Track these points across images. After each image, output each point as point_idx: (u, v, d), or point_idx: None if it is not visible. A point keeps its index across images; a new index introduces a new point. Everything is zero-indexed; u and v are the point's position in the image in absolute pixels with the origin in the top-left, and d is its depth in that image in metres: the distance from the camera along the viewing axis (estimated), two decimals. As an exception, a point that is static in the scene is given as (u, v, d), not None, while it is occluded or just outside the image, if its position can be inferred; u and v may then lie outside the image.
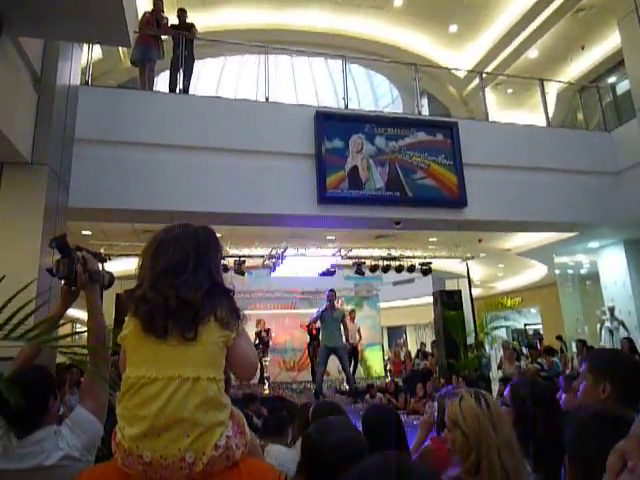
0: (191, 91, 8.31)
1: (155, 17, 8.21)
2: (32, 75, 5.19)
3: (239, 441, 1.38)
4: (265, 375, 12.71)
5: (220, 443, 1.31)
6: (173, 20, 8.52)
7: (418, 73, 9.38)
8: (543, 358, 10.68)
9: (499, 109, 12.99)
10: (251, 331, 12.61)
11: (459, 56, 13.08)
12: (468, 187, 8.08)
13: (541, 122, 9.63)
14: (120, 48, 10.68)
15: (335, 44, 12.44)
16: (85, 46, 7.09)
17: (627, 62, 8.94)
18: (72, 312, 2.03)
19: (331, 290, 10.14)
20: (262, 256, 11.41)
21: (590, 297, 12.53)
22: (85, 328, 1.96)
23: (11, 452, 1.80)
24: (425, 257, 12.20)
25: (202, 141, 7.25)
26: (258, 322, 13.28)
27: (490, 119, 9.35)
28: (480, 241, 11.04)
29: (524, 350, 13.52)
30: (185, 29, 8.47)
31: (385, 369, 15.61)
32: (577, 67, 12.46)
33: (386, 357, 16.68)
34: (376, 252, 11.81)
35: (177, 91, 8.06)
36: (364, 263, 12.01)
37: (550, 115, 9.87)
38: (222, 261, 1.61)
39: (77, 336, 2.11)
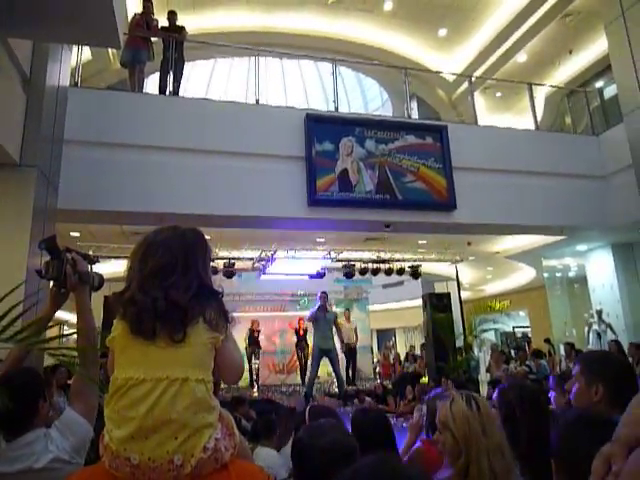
0: (181, 93, 8.28)
1: (145, 19, 8.18)
2: (21, 76, 5.16)
3: (228, 443, 1.37)
4: (254, 378, 12.69)
5: (209, 445, 1.31)
6: (163, 22, 8.49)
7: (408, 77, 9.42)
8: (531, 361, 10.73)
9: (488, 113, 13.06)
10: (242, 333, 12.58)
11: (448, 60, 13.16)
12: (457, 190, 8.12)
13: (530, 126, 9.70)
14: (110, 50, 10.63)
15: (325, 47, 12.47)
16: (74, 47, 7.05)
17: (614, 67, 9.02)
18: (60, 314, 2.01)
19: (323, 292, 10.15)
20: (251, 258, 11.39)
21: (578, 300, 12.61)
22: (72, 330, 1.95)
23: (0, 455, 1.79)
24: (414, 260, 12.22)
25: (192, 143, 7.23)
26: (252, 322, 13.24)
27: (479, 123, 9.40)
28: (469, 244, 11.09)
29: (512, 353, 13.58)
30: (175, 31, 8.45)
31: (374, 372, 15.62)
32: (565, 71, 12.56)
33: (375, 360, 16.69)
34: (366, 255, 11.82)
35: (167, 93, 8.04)
36: (354, 266, 12.02)
37: (538, 119, 9.94)
38: (211, 263, 1.60)
39: (65, 338, 2.10)
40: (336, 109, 8.61)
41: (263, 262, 11.46)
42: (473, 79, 11.23)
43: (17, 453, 1.79)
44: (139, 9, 8.31)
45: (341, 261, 11.97)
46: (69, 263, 1.83)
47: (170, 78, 8.12)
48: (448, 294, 12.75)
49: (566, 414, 1.63)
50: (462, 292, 13.67)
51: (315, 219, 7.72)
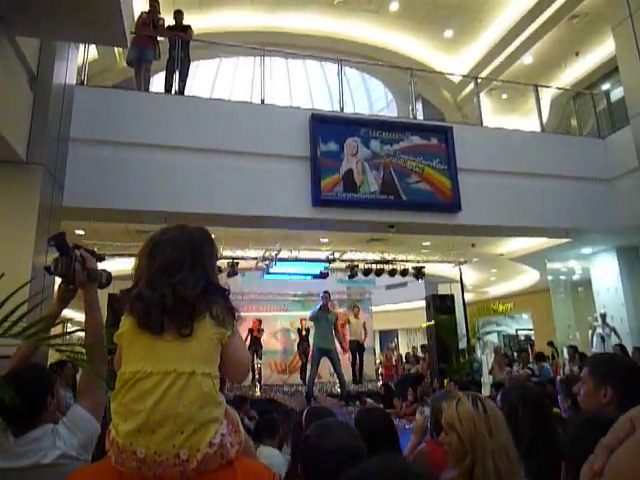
0: (186, 92, 8.30)
1: (151, 18, 8.20)
2: (28, 74, 5.18)
3: (233, 439, 1.38)
4: (256, 377, 12.69)
5: (215, 440, 1.31)
6: (169, 21, 8.51)
7: (413, 77, 9.41)
8: (534, 364, 10.71)
9: (493, 114, 13.04)
10: (244, 333, 12.59)
11: (454, 61, 13.14)
12: (462, 192, 8.10)
13: (535, 128, 9.68)
14: (116, 48, 10.65)
15: (330, 47, 12.48)
16: (81, 46, 7.07)
17: (621, 69, 9.00)
18: (64, 312, 2.02)
19: (325, 292, 10.14)
20: (255, 258, 11.39)
21: (582, 303, 12.58)
22: (75, 328, 1.96)
23: (8, 450, 1.79)
24: (418, 261, 12.21)
25: (197, 142, 7.24)
26: (253, 322, 13.25)
27: (484, 124, 9.39)
28: (473, 246, 11.07)
29: (515, 356, 13.55)
30: (181, 30, 8.47)
31: (377, 373, 15.60)
32: (571, 73, 12.53)
33: (377, 361, 16.68)
34: (370, 255, 11.81)
35: (172, 92, 8.06)
36: (357, 266, 12.01)
37: (544, 121, 9.92)
38: (217, 260, 1.62)
39: (69, 335, 2.11)
40: (341, 109, 8.61)
41: (267, 262, 11.46)
42: (479, 80, 11.21)
43: (25, 449, 1.79)
44: (146, 8, 8.33)
45: (345, 261, 11.97)
46: (78, 260, 1.84)
47: (176, 77, 8.14)
48: (452, 296, 12.74)
49: (576, 416, 1.64)
50: (465, 294, 13.64)
51: (319, 219, 7.72)
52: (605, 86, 11.46)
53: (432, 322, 12.09)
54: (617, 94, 10.33)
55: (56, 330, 1.87)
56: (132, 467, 1.28)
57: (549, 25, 11.22)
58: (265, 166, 7.44)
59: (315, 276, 12.54)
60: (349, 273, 12.21)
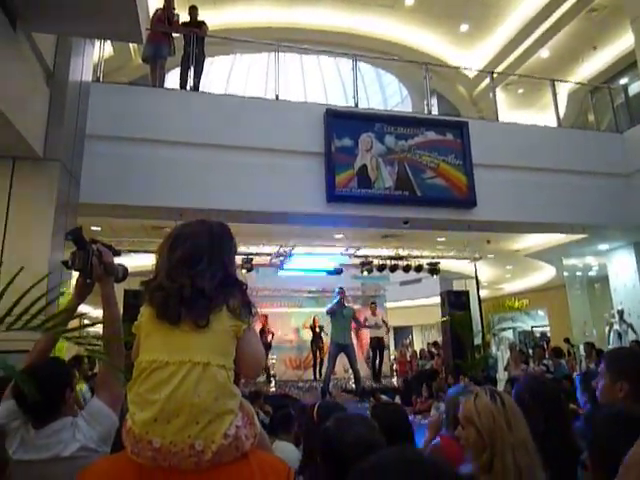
0: (201, 89, 8.32)
1: (166, 14, 8.23)
2: (45, 71, 5.22)
3: (248, 432, 1.39)
4: (271, 373, 12.73)
5: (230, 432, 1.32)
6: (184, 17, 8.54)
7: (428, 72, 9.35)
8: (550, 360, 10.62)
9: (509, 109, 12.93)
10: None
11: (470, 56, 13.04)
12: (478, 187, 8.04)
13: (552, 123, 9.58)
14: (131, 45, 10.72)
15: (345, 43, 12.42)
16: (97, 43, 7.12)
17: (640, 63, 8.88)
18: (80, 307, 2.04)
19: (340, 288, 10.15)
20: (269, 254, 11.40)
21: (599, 300, 12.46)
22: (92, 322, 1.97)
23: (29, 443, 1.81)
24: (433, 257, 12.15)
25: (212, 138, 7.26)
26: (260, 317, 13.27)
27: (500, 119, 9.30)
28: (489, 242, 11.00)
29: (530, 352, 13.45)
30: (196, 26, 8.49)
31: (391, 369, 15.57)
32: (589, 68, 12.39)
33: (392, 357, 16.65)
34: (384, 251, 11.77)
35: (187, 88, 8.08)
36: (372, 262, 11.98)
37: (561, 116, 9.81)
38: (236, 255, 1.64)
39: (86, 330, 2.13)
40: (356, 105, 8.58)
41: (281, 258, 11.47)
42: (495, 75, 11.11)
43: (45, 441, 1.82)
44: (161, 4, 8.35)
45: (359, 257, 11.94)
46: (95, 254, 1.85)
47: (191, 73, 8.16)
48: (467, 292, 12.67)
49: (597, 412, 1.62)
50: (480, 290, 13.56)
51: (334, 215, 7.71)
52: (623, 80, 11.32)
53: (447, 317, 12.00)
54: (635, 88, 10.21)
55: (73, 324, 1.88)
56: (148, 457, 1.29)
57: (567, 19, 11.09)
58: (280, 162, 7.44)
59: (329, 272, 12.53)
60: (363, 269, 12.18)
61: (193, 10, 8.58)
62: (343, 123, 7.85)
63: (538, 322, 19.05)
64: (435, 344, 14.74)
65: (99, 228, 8.56)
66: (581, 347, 11.29)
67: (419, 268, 12.15)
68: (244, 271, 10.67)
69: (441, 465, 0.81)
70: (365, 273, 12.41)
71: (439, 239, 11.07)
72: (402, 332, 21.88)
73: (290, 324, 14.97)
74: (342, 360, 10.10)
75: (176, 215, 6.64)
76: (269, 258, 11.61)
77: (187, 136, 7.17)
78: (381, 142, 7.93)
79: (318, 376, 12.68)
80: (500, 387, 9.42)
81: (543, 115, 11.35)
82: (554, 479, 1.73)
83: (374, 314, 13.09)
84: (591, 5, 10.64)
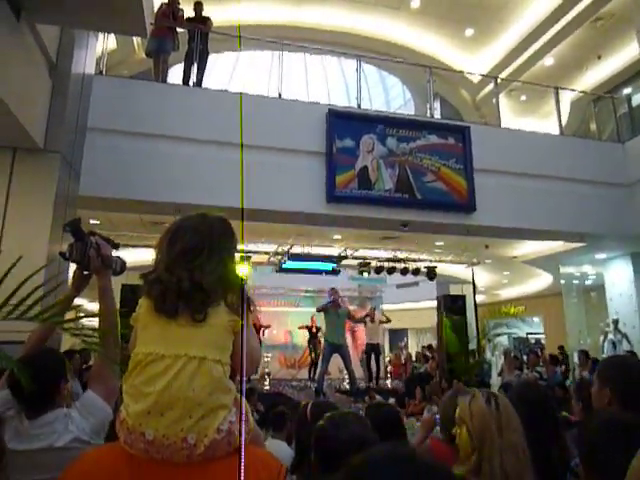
0: (204, 85, 8.31)
1: (171, 9, 8.22)
2: (48, 62, 5.21)
3: (242, 427, 1.38)
4: (266, 371, 12.73)
5: (223, 427, 1.32)
6: (189, 13, 8.53)
7: (432, 75, 9.35)
8: (544, 367, 10.63)
9: (512, 116, 12.94)
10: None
11: (474, 60, 13.04)
12: (478, 192, 8.05)
13: (554, 130, 9.59)
14: (134, 39, 10.71)
15: (349, 43, 12.42)
16: (100, 36, 7.10)
17: (644, 74, 8.90)
18: (76, 300, 2.04)
19: (332, 288, 10.16)
20: (268, 253, 11.40)
21: (594, 309, 12.48)
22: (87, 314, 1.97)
23: (22, 433, 1.82)
24: (431, 261, 12.16)
25: (212, 135, 7.25)
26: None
27: (503, 125, 9.31)
28: (487, 247, 11.00)
29: (525, 358, 13.47)
30: (201, 22, 8.49)
31: (385, 371, 15.59)
32: (593, 77, 12.39)
33: (387, 359, 16.67)
34: (382, 253, 11.78)
35: (190, 84, 8.07)
36: (369, 264, 11.99)
37: (563, 124, 9.82)
38: (236, 250, 1.63)
39: (81, 322, 2.13)
40: (358, 106, 8.57)
41: (279, 257, 11.48)
42: (499, 81, 11.11)
43: (38, 431, 1.82)
44: (166, -1, 8.35)
45: (357, 259, 11.95)
46: (93, 246, 1.85)
47: (194, 69, 8.15)
48: (463, 296, 12.67)
49: (591, 419, 1.62)
50: (477, 295, 13.57)
51: (333, 216, 7.71)
52: (627, 90, 11.33)
53: (451, 318, 11.96)
54: (639, 98, 10.21)
55: (69, 316, 1.87)
56: (140, 449, 1.30)
57: (572, 27, 11.09)
58: (280, 160, 7.43)
59: (327, 272, 12.54)
60: (360, 270, 12.21)
61: (198, 6, 8.58)
62: (345, 124, 7.85)
63: (533, 329, 19.09)
64: (430, 347, 14.74)
65: (98, 221, 8.55)
66: (575, 355, 11.31)
67: (416, 271, 12.16)
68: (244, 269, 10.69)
69: (434, 463, 0.81)
70: (365, 275, 12.43)
71: (437, 243, 11.08)
72: (397, 335, 21.89)
73: (286, 323, 14.99)
74: (337, 360, 10.10)
75: (174, 210, 6.63)
76: (267, 257, 11.61)
77: (188, 132, 7.17)
78: (383, 144, 7.93)
79: (314, 376, 12.68)
80: (494, 392, 9.43)
81: (545, 123, 11.37)
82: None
83: (373, 320, 13.09)
84: (597, 14, 10.63)
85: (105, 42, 7.56)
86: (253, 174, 7.23)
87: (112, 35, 8.43)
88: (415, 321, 20.43)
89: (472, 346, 11.95)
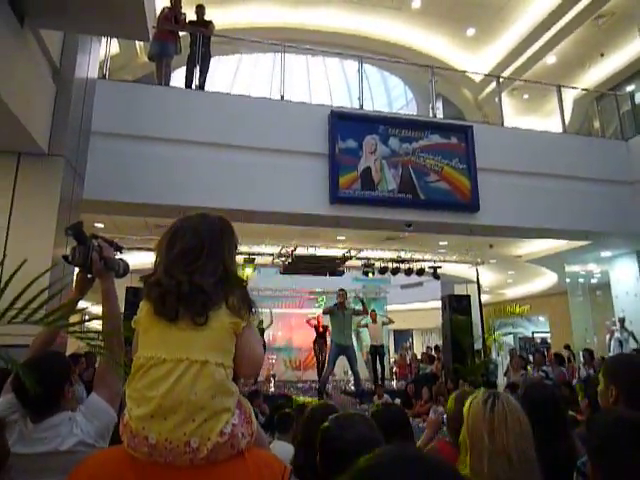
0: (206, 88, 8.32)
1: (173, 13, 8.25)
2: (51, 67, 5.24)
3: (245, 430, 1.37)
4: (271, 373, 12.72)
5: (226, 430, 1.31)
6: (191, 16, 8.55)
7: (434, 75, 9.34)
8: (550, 366, 10.60)
9: (515, 115, 12.92)
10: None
11: (476, 60, 13.02)
12: (481, 192, 8.04)
13: (557, 129, 9.57)
14: (137, 43, 10.74)
15: (351, 44, 12.43)
16: (103, 40, 7.13)
17: (647, 71, 8.87)
18: (81, 303, 2.04)
19: (341, 289, 10.14)
20: (271, 254, 11.41)
21: (600, 307, 12.43)
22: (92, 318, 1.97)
23: (27, 436, 1.82)
24: (435, 261, 12.15)
25: (216, 138, 7.27)
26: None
27: (505, 124, 9.29)
28: (491, 247, 10.98)
29: (531, 358, 13.43)
30: (203, 25, 8.50)
31: (391, 372, 15.57)
32: (595, 74, 12.37)
33: (392, 360, 16.65)
34: (386, 254, 11.77)
35: (193, 87, 8.09)
36: (373, 264, 11.98)
37: (566, 122, 9.80)
38: (237, 251, 1.62)
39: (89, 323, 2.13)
40: (361, 107, 8.57)
41: (282, 258, 11.48)
42: (501, 80, 11.09)
43: (43, 435, 1.82)
44: (168, 3, 8.37)
45: (361, 259, 11.94)
46: (95, 249, 1.85)
47: (196, 72, 8.17)
48: (468, 296, 12.65)
49: (600, 416, 1.61)
50: (482, 295, 13.54)
51: (336, 217, 7.71)
52: (630, 87, 11.29)
53: (456, 318, 11.91)
54: (642, 96, 10.18)
55: (75, 320, 1.88)
56: (144, 452, 1.29)
57: (574, 25, 11.06)
58: (283, 162, 7.44)
59: (331, 273, 12.54)
60: (364, 271, 12.21)
61: (200, 9, 8.60)
62: (348, 125, 7.85)
63: (539, 328, 19.05)
64: (437, 348, 14.71)
65: (102, 225, 8.58)
66: (581, 354, 11.27)
67: (421, 271, 12.15)
68: (248, 270, 10.71)
69: (442, 463, 0.80)
70: (369, 275, 12.42)
71: (441, 243, 11.06)
72: (402, 335, 21.86)
73: (290, 325, 14.98)
74: (342, 362, 10.08)
75: (178, 213, 6.62)
76: (271, 258, 11.62)
77: (192, 135, 7.18)
78: (385, 144, 7.92)
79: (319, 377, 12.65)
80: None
81: (548, 121, 11.35)
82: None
83: (375, 321, 13.07)
84: (599, 12, 10.61)
85: (108, 46, 7.58)
86: (256, 176, 7.25)
87: (115, 39, 8.46)
88: (420, 321, 20.40)
89: (477, 346, 11.92)
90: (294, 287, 14.90)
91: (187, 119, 7.25)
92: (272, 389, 11.41)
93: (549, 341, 17.97)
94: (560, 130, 9.49)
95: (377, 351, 12.60)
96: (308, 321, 12.97)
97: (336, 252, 11.43)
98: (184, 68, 8.41)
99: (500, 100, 9.77)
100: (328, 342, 11.75)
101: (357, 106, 8.63)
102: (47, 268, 2.17)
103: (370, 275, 12.50)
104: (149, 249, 8.73)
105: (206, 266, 1.44)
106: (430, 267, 12.22)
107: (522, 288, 16.86)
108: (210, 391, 1.32)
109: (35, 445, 1.80)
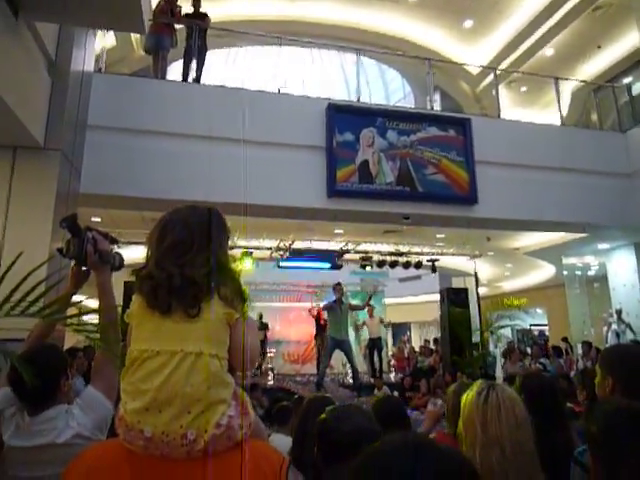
0: (203, 81, 8.29)
1: (169, 6, 8.19)
2: (47, 60, 5.21)
3: (242, 422, 1.37)
4: (269, 366, 12.75)
5: (222, 422, 1.31)
6: (187, 9, 8.50)
7: (431, 68, 9.32)
8: (548, 358, 10.64)
9: (512, 107, 12.90)
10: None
11: (473, 52, 13.00)
12: (479, 184, 8.04)
13: (554, 121, 9.56)
14: (133, 36, 10.69)
15: (348, 37, 12.39)
16: (99, 33, 7.09)
17: (644, 62, 8.85)
18: (76, 297, 2.03)
19: (338, 284, 10.14)
20: (269, 248, 11.40)
21: (598, 299, 12.46)
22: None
23: (23, 429, 1.82)
24: (433, 254, 12.16)
25: (213, 131, 7.23)
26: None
27: (503, 117, 9.28)
28: (489, 239, 10.99)
29: (529, 351, 13.47)
30: (199, 18, 8.46)
31: (389, 365, 15.61)
32: (593, 66, 12.35)
33: (390, 353, 16.69)
34: (384, 247, 11.78)
35: (189, 80, 8.06)
36: (371, 258, 11.99)
37: (564, 114, 9.79)
38: (229, 242, 1.61)
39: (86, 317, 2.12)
40: (358, 99, 8.55)
41: (281, 252, 11.47)
42: (498, 72, 11.06)
43: (39, 428, 1.82)
44: (164, -4, 8.32)
45: (359, 253, 11.95)
46: (90, 242, 1.84)
47: (193, 65, 8.14)
48: (466, 289, 12.66)
49: (599, 406, 1.62)
50: (480, 288, 13.56)
51: (334, 210, 7.70)
52: (627, 79, 11.27)
53: (454, 311, 11.93)
54: (639, 87, 10.16)
55: (72, 312, 1.87)
56: (140, 446, 1.29)
57: (571, 16, 11.04)
58: (281, 155, 7.42)
59: (329, 267, 12.52)
60: (362, 264, 12.21)
61: (196, 2, 8.55)
62: (345, 118, 7.83)
63: (537, 320, 19.09)
64: (435, 341, 14.75)
65: (99, 219, 8.55)
66: (579, 346, 11.31)
67: (419, 264, 12.16)
68: (248, 264, 10.73)
69: (450, 449, 0.80)
70: (367, 268, 12.43)
71: (439, 235, 11.07)
72: (400, 328, 21.89)
73: (289, 318, 14.99)
74: (340, 355, 10.10)
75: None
76: (269, 252, 11.61)
77: (188, 128, 7.15)
78: (383, 137, 7.91)
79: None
80: (497, 384, 9.43)
81: (546, 113, 11.33)
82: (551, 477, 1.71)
83: (371, 316, 13.09)
84: (596, 3, 10.59)
85: (104, 40, 7.54)
86: (253, 169, 7.22)
87: (111, 32, 8.42)
88: (418, 314, 20.44)
89: (475, 339, 11.94)
90: (292, 281, 14.89)
91: (183, 112, 7.22)
92: (271, 382, 11.43)
93: (547, 333, 18.02)
94: (558, 122, 9.48)
95: (375, 344, 12.65)
96: (310, 310, 12.93)
97: (334, 245, 11.42)
98: (181, 61, 8.37)
99: (497, 92, 9.74)
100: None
101: (355, 99, 8.61)
102: (43, 261, 2.16)
103: (368, 268, 12.50)
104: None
105: (197, 258, 1.43)
106: (428, 260, 12.23)
107: (520, 281, 16.90)
108: (206, 382, 1.32)
109: (32, 438, 1.80)
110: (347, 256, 12.11)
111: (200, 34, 8.32)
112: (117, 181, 6.62)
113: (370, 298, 11.14)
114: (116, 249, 2.00)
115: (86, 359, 6.49)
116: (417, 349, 16.13)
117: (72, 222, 1.82)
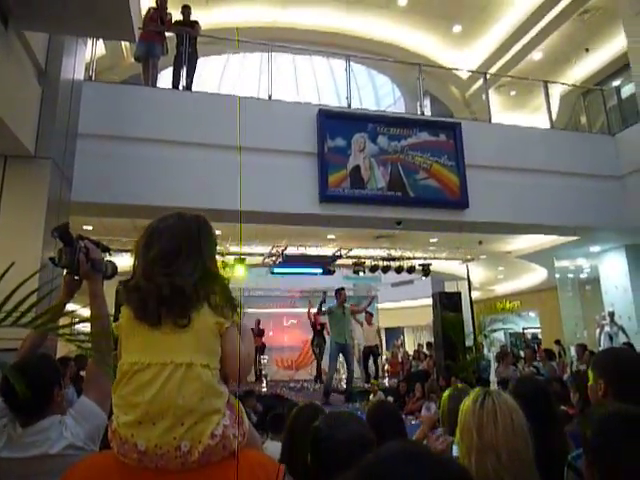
0: (194, 88, 8.29)
1: (159, 13, 8.19)
2: (37, 69, 5.20)
3: (237, 431, 1.36)
4: (263, 373, 12.70)
5: (217, 432, 1.30)
6: (177, 17, 8.51)
7: (421, 73, 9.36)
8: (541, 362, 10.65)
9: (502, 111, 12.97)
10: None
11: (462, 57, 13.07)
12: (470, 188, 8.07)
13: (544, 124, 9.62)
14: (123, 44, 10.68)
15: (338, 43, 12.42)
16: (89, 41, 7.08)
17: (633, 65, 8.92)
18: (69, 306, 2.02)
19: (342, 289, 10.05)
20: (262, 254, 11.38)
21: (590, 302, 12.51)
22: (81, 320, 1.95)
23: (16, 441, 1.80)
24: (425, 258, 12.18)
25: (204, 138, 7.23)
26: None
27: (493, 121, 9.33)
28: (480, 243, 11.03)
29: (522, 354, 13.49)
30: (189, 26, 8.47)
31: (383, 370, 15.60)
32: (581, 70, 12.45)
33: (384, 358, 16.68)
34: (376, 252, 11.79)
35: (180, 88, 8.05)
36: (364, 263, 11.99)
37: (553, 117, 9.85)
38: (217, 250, 1.60)
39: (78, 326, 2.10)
40: (349, 105, 8.58)
41: (273, 258, 11.46)
42: (488, 76, 11.13)
43: (32, 439, 1.80)
44: (153, 3, 8.32)
45: (351, 258, 11.95)
46: (82, 251, 1.83)
47: (183, 73, 8.13)
48: (459, 293, 12.69)
49: (594, 410, 1.62)
50: (472, 292, 13.58)
51: (326, 215, 7.70)
52: (615, 82, 11.37)
53: (447, 315, 11.96)
54: (628, 90, 10.24)
55: (64, 322, 1.86)
56: (134, 459, 1.28)
57: (559, 21, 11.14)
58: (272, 162, 7.42)
59: (322, 272, 12.52)
60: (355, 269, 12.22)
61: (186, 9, 8.56)
62: (336, 123, 7.85)
63: (529, 324, 19.14)
64: (428, 345, 14.76)
65: (91, 227, 8.52)
66: (572, 349, 11.33)
67: (411, 269, 12.18)
68: (241, 271, 10.70)
69: (447, 458, 0.81)
70: (360, 273, 12.43)
71: (431, 240, 11.10)
72: (393, 333, 21.90)
73: (282, 324, 14.96)
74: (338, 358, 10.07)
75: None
76: (262, 258, 11.60)
77: (179, 135, 7.14)
78: (374, 143, 7.93)
79: (318, 375, 12.65)
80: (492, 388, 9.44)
81: (535, 117, 11.40)
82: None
83: (370, 324, 13.07)
84: (584, 7, 10.69)
85: (94, 48, 7.53)
86: (244, 175, 7.21)
87: (101, 41, 8.41)
88: (411, 319, 20.47)
89: (469, 342, 11.96)
90: (285, 287, 14.88)
91: (174, 120, 7.21)
92: (264, 389, 11.38)
93: (540, 336, 18.06)
94: (547, 126, 9.54)
95: (372, 351, 12.66)
96: (309, 314, 12.82)
97: (327, 251, 11.42)
98: (171, 69, 8.37)
99: (487, 97, 9.81)
100: (327, 341, 11.72)
101: (345, 105, 8.63)
102: (35, 271, 2.15)
103: (361, 273, 12.50)
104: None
105: (185, 267, 1.41)
106: (420, 265, 12.25)
107: (512, 284, 16.94)
108: (198, 393, 1.30)
109: (25, 449, 1.78)
110: (340, 261, 12.11)
111: (190, 42, 8.32)
112: (108, 189, 6.60)
113: (370, 304, 11.16)
114: (108, 257, 1.99)
115: (77, 367, 6.44)
116: (411, 353, 16.13)
117: (64, 231, 1.81)
